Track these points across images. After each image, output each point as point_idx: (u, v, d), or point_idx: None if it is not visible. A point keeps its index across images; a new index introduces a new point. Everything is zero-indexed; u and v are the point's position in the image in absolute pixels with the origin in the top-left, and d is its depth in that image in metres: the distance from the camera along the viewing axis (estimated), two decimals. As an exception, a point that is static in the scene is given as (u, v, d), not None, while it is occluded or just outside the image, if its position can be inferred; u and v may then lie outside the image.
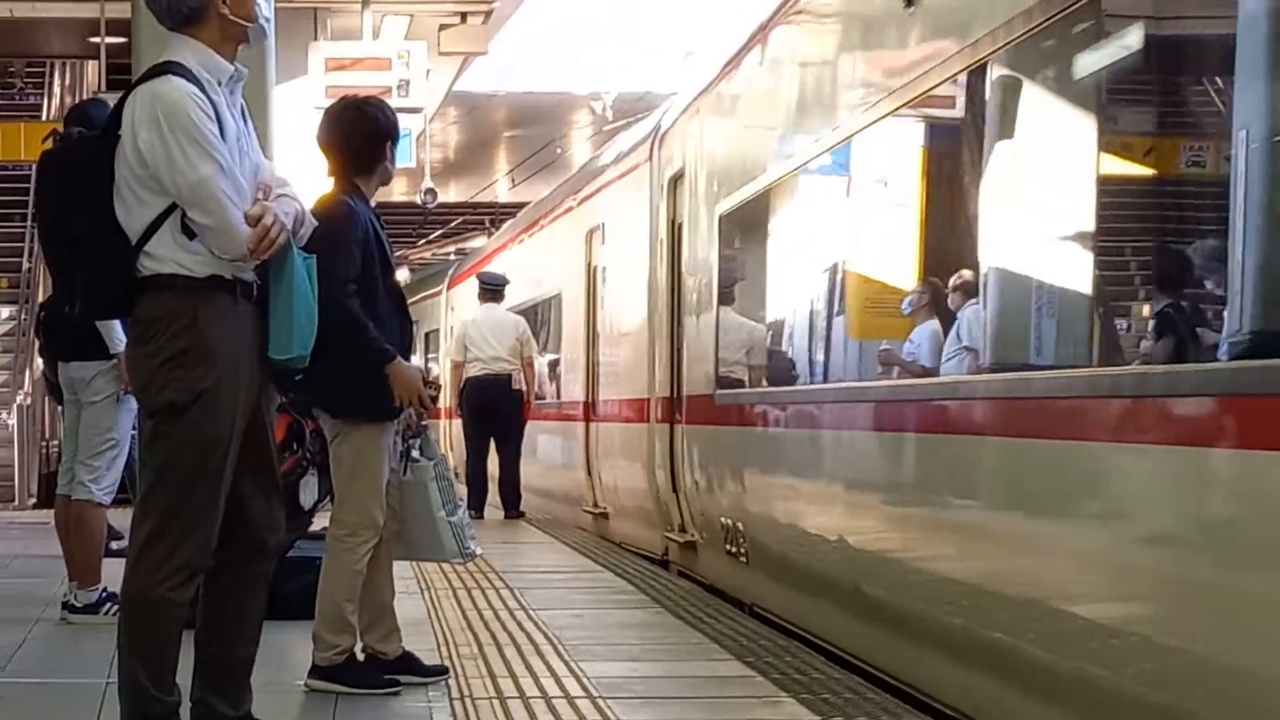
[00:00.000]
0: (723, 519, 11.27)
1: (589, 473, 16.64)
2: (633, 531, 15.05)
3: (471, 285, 22.64)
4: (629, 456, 14.93)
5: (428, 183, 31.01)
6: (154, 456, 5.33)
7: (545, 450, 19.32)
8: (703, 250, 12.17)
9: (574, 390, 17.68)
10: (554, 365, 19.34)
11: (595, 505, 16.47)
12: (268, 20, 5.46)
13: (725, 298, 11.65)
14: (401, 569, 8.14)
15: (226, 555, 5.37)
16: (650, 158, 14.14)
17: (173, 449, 5.25)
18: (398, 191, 36.44)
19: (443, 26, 20.28)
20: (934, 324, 7.65)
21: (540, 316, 20.14)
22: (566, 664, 7.77)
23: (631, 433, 14.68)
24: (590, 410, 16.73)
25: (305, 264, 5.43)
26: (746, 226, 11.11)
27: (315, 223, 5.59)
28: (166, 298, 5.24)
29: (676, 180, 13.07)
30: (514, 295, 20.28)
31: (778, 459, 10.30)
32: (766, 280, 10.62)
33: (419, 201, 31.49)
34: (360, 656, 7.15)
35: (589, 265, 16.92)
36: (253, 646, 5.51)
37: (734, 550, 11.00)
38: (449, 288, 28.06)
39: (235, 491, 5.34)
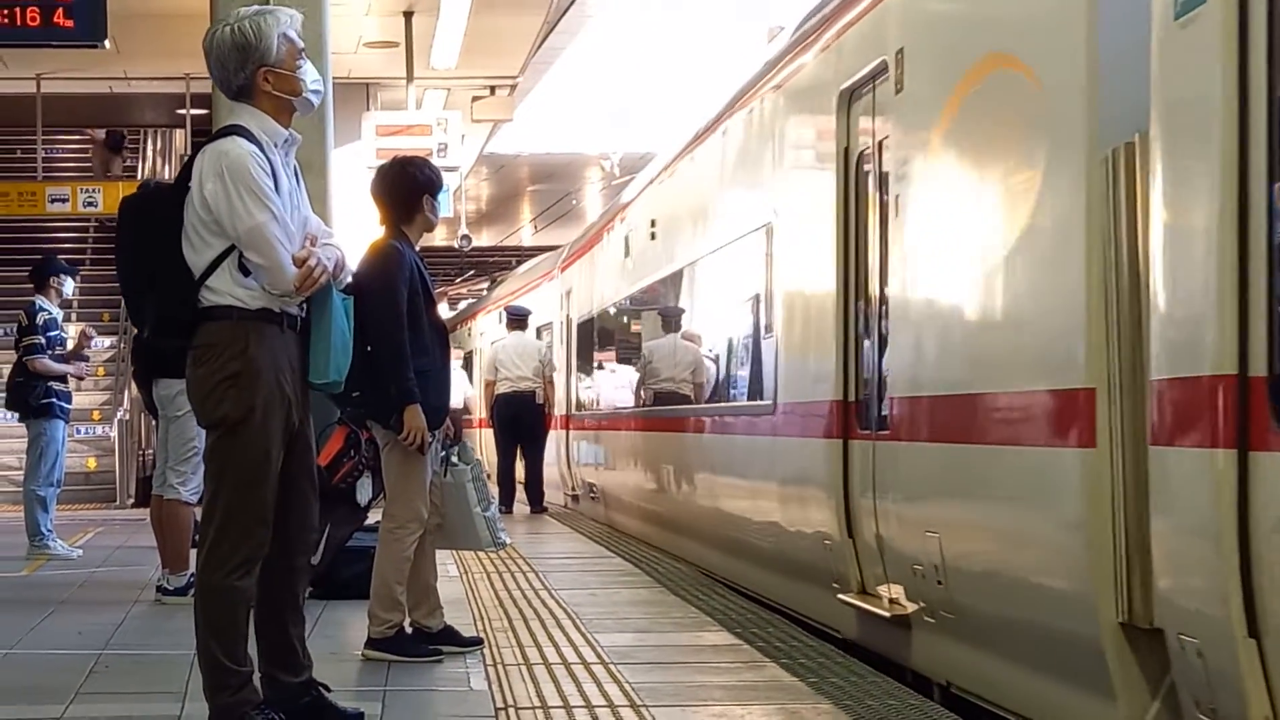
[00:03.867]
0: None
1: (849, 532, 7.95)
2: (1009, 681, 6.34)
3: (590, 261, 17.26)
4: (1004, 514, 6.30)
5: (463, 230, 31.10)
6: (214, 466, 5.31)
7: (716, 475, 11.15)
8: None
9: (801, 385, 8.87)
10: (728, 347, 11.21)
11: (866, 594, 7.87)
12: (315, 93, 5.43)
13: None
14: (443, 556, 8.12)
15: (275, 550, 5.33)
16: None
17: (229, 459, 5.23)
18: (439, 237, 36.43)
19: (475, 98, 20.34)
20: None
21: (706, 278, 11.68)
22: (583, 635, 7.74)
23: (1009, 464, 6.13)
24: (852, 417, 8.02)
25: (344, 304, 5.42)
26: None
27: (353, 269, 5.58)
28: (223, 326, 5.22)
29: None
30: (658, 262, 13.11)
31: None
32: None
33: (456, 246, 31.61)
34: (408, 630, 7.14)
35: (844, 156, 8.09)
36: (301, 624, 5.50)
37: None
38: (562, 269, 19.71)
39: (280, 493, 5.31)
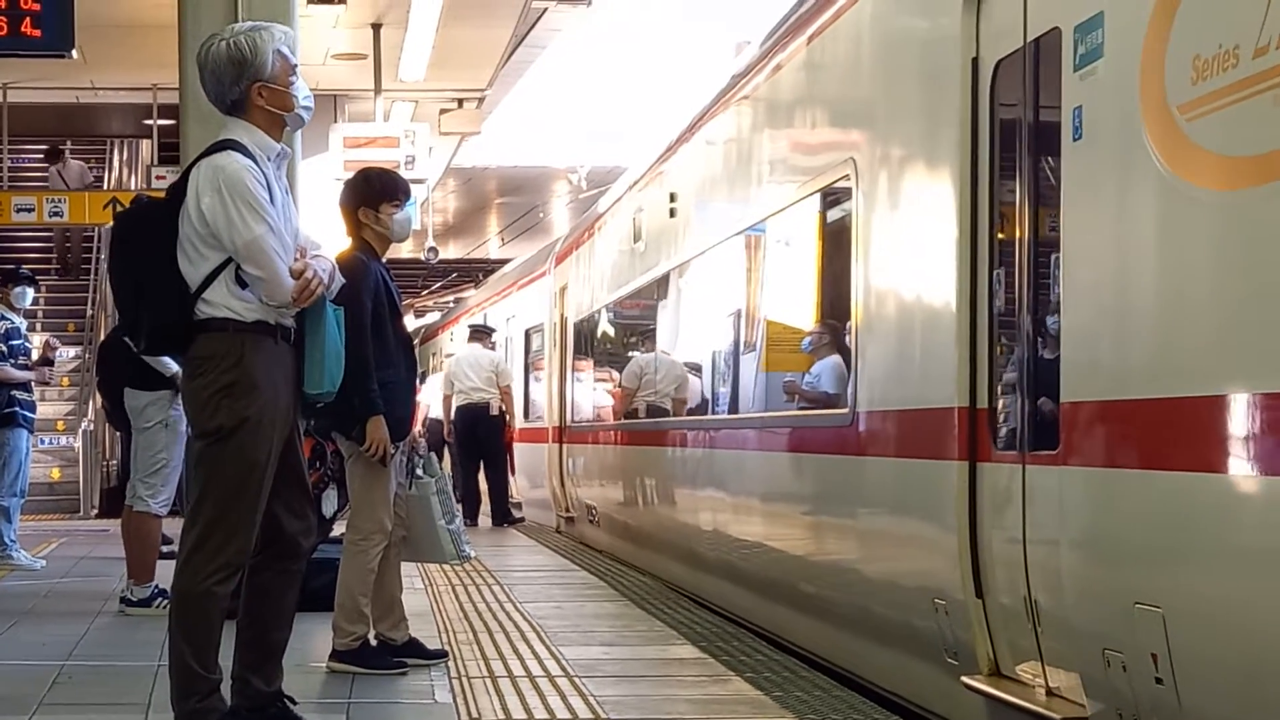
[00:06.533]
0: None
1: (978, 590, 5.83)
2: None
3: (590, 252, 15.07)
4: None
5: (430, 242, 31.06)
6: (202, 472, 5.33)
7: (759, 503, 8.95)
8: None
9: (897, 386, 6.73)
10: (778, 341, 8.90)
11: (1000, 675, 5.74)
12: (306, 109, 5.48)
13: None
14: (408, 568, 8.10)
15: (269, 555, 5.39)
16: None
17: (219, 466, 5.25)
18: (406, 249, 36.44)
19: (443, 111, 20.35)
20: None
21: (745, 257, 9.43)
22: (548, 648, 7.74)
23: None
24: (984, 430, 5.85)
25: (335, 314, 5.47)
26: None
27: (343, 280, 5.62)
28: (219, 338, 5.25)
29: None
30: (679, 243, 10.90)
31: None
32: None
33: (423, 258, 31.60)
34: (373, 642, 7.13)
35: (973, 69, 5.94)
36: (287, 630, 5.52)
37: None
38: (555, 264, 17.43)
39: (274, 501, 5.34)
